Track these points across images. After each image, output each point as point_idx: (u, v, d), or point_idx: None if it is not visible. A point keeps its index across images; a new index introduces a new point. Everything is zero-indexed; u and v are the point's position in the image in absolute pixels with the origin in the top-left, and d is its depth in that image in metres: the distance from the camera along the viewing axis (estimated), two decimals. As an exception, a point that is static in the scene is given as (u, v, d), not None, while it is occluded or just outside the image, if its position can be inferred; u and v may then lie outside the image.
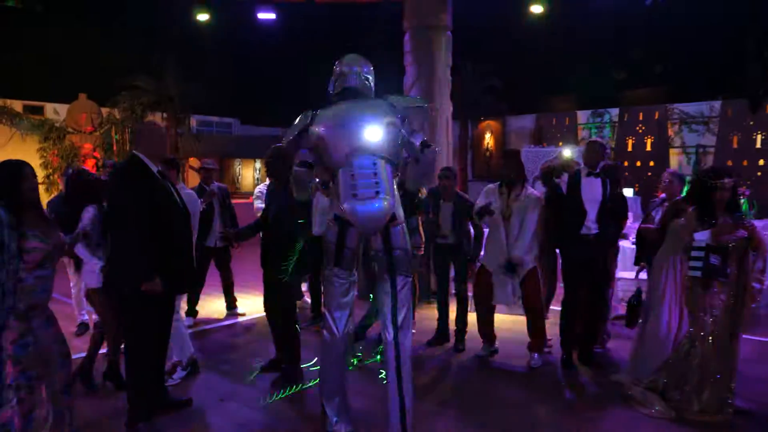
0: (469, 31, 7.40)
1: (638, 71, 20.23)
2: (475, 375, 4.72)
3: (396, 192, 3.32)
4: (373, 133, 3.29)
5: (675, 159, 18.26)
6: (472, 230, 5.24)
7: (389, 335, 3.26)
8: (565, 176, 4.81)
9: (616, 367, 4.80)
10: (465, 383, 4.54)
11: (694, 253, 3.69)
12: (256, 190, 6.49)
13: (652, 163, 18.03)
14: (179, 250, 3.51)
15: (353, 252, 3.35)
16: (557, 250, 5.21)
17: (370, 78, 3.59)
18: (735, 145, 17.60)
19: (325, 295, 3.47)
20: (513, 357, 5.01)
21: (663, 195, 5.34)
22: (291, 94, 23.69)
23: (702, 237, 3.70)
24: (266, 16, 7.90)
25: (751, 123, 17.33)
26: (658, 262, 4.20)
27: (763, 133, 17.14)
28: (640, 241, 5.26)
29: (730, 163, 17.34)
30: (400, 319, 3.27)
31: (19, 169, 2.98)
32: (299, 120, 3.50)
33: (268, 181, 6.37)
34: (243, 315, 6.52)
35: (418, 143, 3.44)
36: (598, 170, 4.72)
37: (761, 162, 16.90)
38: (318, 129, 3.34)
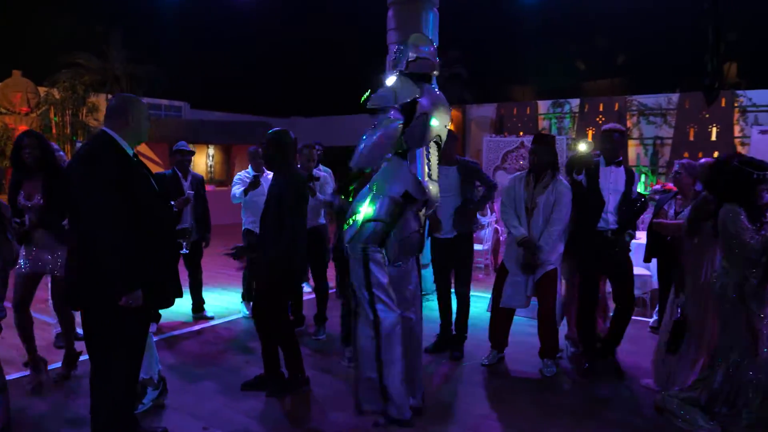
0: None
1: (599, 62, 20.40)
2: (481, 386, 4.22)
3: None
4: (448, 121, 3.58)
5: (633, 150, 18.48)
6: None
7: (414, 315, 3.61)
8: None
9: (636, 371, 4.41)
10: (470, 396, 4.04)
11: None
12: (236, 176, 5.66)
13: (611, 154, 18.19)
14: (163, 254, 2.80)
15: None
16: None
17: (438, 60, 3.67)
18: (691, 138, 17.92)
19: (378, 276, 3.37)
20: (523, 364, 4.55)
21: (670, 186, 5.01)
22: (245, 78, 22.65)
23: None
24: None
25: (707, 116, 17.67)
26: (690, 268, 3.84)
27: (718, 126, 17.52)
28: (652, 237, 4.91)
29: (686, 155, 17.68)
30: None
31: None
32: (403, 83, 3.32)
33: (249, 168, 5.62)
34: (212, 319, 5.81)
35: None
36: (619, 159, 4.34)
37: (716, 154, 17.20)
38: (425, 103, 3.34)
